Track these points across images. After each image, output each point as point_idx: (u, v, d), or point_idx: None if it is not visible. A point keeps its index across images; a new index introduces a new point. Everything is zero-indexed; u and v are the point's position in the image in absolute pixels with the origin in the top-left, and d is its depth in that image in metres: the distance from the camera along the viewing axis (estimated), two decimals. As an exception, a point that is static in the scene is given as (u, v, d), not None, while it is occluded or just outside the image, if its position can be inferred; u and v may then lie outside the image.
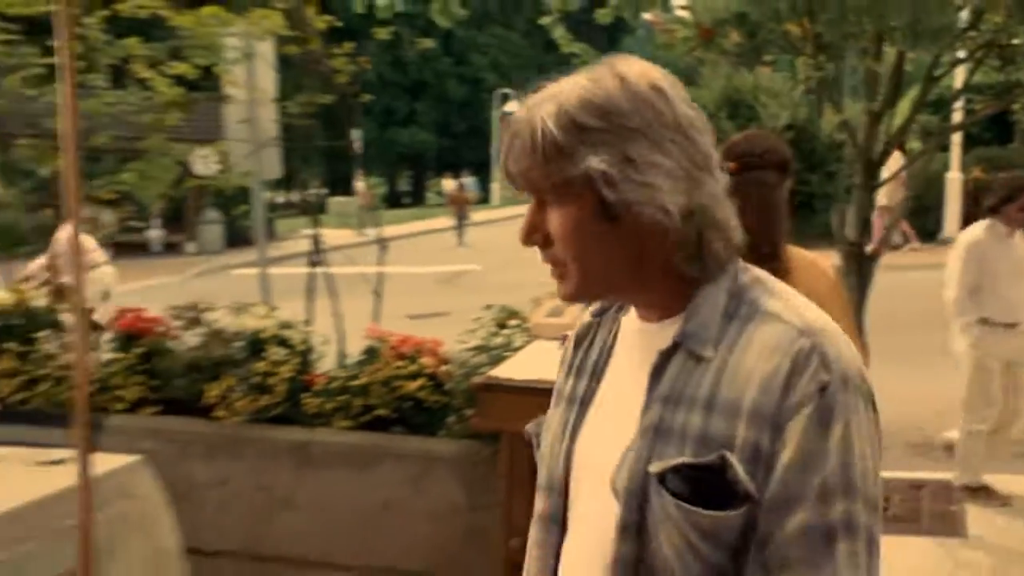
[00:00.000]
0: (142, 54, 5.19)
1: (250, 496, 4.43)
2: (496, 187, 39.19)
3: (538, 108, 1.36)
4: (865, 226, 5.90)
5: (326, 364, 4.72)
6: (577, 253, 1.37)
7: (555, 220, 1.37)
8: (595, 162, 1.32)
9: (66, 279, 8.77)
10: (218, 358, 4.63)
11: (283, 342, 4.55)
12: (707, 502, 1.29)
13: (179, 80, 5.27)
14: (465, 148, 43.24)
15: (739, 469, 1.28)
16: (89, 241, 9.37)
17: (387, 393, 4.29)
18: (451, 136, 43.97)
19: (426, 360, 4.33)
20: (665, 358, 1.37)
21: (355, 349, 4.73)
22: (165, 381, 4.70)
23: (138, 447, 4.16)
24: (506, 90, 36.59)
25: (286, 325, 4.64)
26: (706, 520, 1.28)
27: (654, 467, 1.32)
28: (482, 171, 39.80)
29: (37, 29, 5.31)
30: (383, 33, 5.48)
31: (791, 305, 1.36)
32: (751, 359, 1.31)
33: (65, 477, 3.62)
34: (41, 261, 9.58)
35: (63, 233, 9.62)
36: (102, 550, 3.49)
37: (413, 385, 4.27)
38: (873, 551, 1.28)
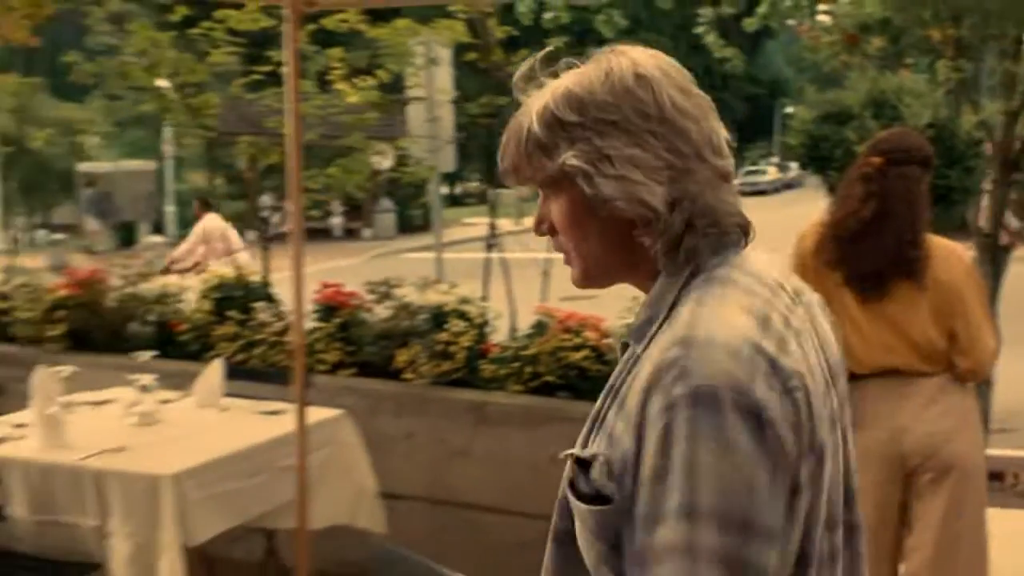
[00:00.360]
0: (343, 64, 5.50)
1: (432, 449, 4.66)
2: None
3: (531, 104, 1.31)
4: (999, 219, 5.81)
5: (499, 336, 4.92)
6: (575, 243, 1.33)
7: (554, 211, 1.33)
8: (570, 158, 1.26)
9: (211, 262, 9.33)
10: (405, 328, 4.85)
11: (462, 315, 4.75)
12: (587, 494, 1.24)
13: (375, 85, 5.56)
14: (615, 145, 43.04)
15: (597, 469, 1.21)
16: (230, 230, 9.92)
17: (554, 362, 4.46)
18: (603, 134, 43.78)
19: (589, 334, 4.49)
20: (623, 349, 1.33)
21: (524, 323, 4.93)
22: (360, 347, 4.94)
23: (338, 403, 4.44)
24: (655, 90, 36.31)
25: (465, 300, 4.84)
26: (581, 510, 1.24)
27: (561, 453, 1.29)
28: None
29: (255, 41, 5.70)
30: (556, 42, 5.66)
31: (699, 310, 1.22)
32: (647, 364, 1.21)
33: (282, 425, 3.92)
34: (186, 246, 10.16)
35: (208, 222, 10.21)
36: (313, 486, 3.77)
37: (577, 355, 4.43)
38: (739, 572, 1.11)
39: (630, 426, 1.18)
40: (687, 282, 1.26)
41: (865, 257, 3.08)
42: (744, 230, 1.32)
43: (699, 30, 6.53)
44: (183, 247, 10.26)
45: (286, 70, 3.62)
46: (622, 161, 1.24)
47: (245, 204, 10.29)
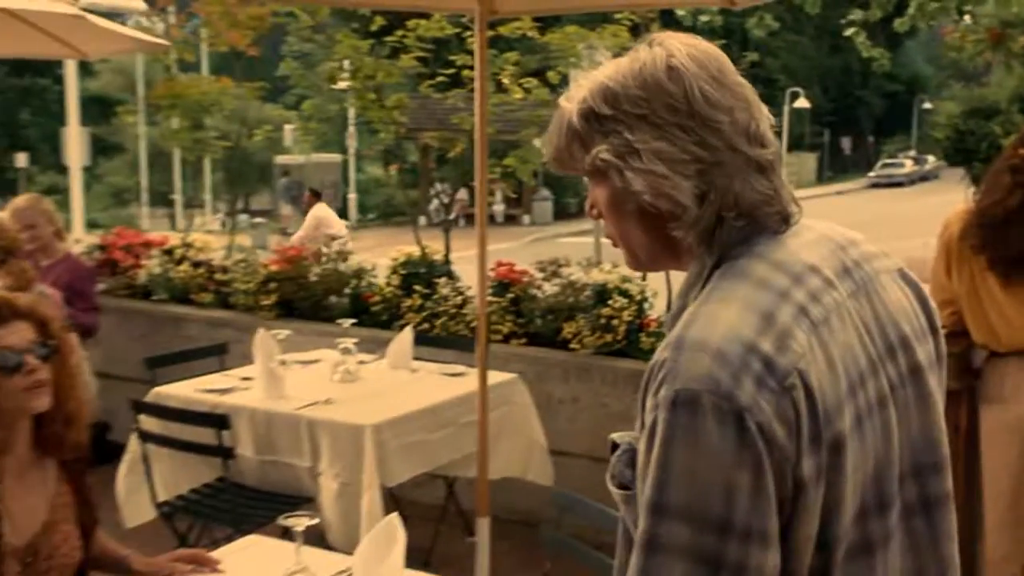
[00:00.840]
0: (517, 66, 5.62)
1: (594, 412, 4.75)
2: (784, 173, 38.24)
3: (573, 95, 1.25)
4: None
5: (657, 311, 4.95)
6: (617, 229, 1.27)
7: (598, 199, 1.26)
8: (602, 151, 1.20)
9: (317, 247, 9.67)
10: (571, 303, 4.94)
11: (624, 293, 4.81)
12: (614, 477, 1.23)
13: (546, 84, 5.66)
14: (759, 137, 42.38)
15: (616, 456, 1.21)
16: (333, 216, 10.18)
17: (706, 337, 4.47)
18: (745, 128, 42.89)
19: (739, 312, 4.48)
20: None
21: (678, 301, 4.95)
22: (530, 320, 5.05)
23: (510, 369, 4.58)
24: (795, 88, 35.38)
25: (626, 279, 4.88)
26: (611, 491, 1.23)
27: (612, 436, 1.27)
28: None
29: (439, 46, 5.91)
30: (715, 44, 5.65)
31: (700, 309, 1.15)
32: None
33: (464, 386, 4.06)
34: (303, 233, 10.51)
35: (317, 211, 10.55)
36: (491, 441, 3.86)
37: (728, 331, 4.43)
38: (717, 570, 1.07)
39: (639, 420, 1.15)
40: (710, 273, 1.19)
41: (1010, 243, 3.02)
42: (785, 218, 1.22)
43: (848, 31, 6.40)
44: (300, 234, 10.64)
45: (470, 72, 3.73)
46: (649, 155, 1.16)
47: (417, 193, 10.56)
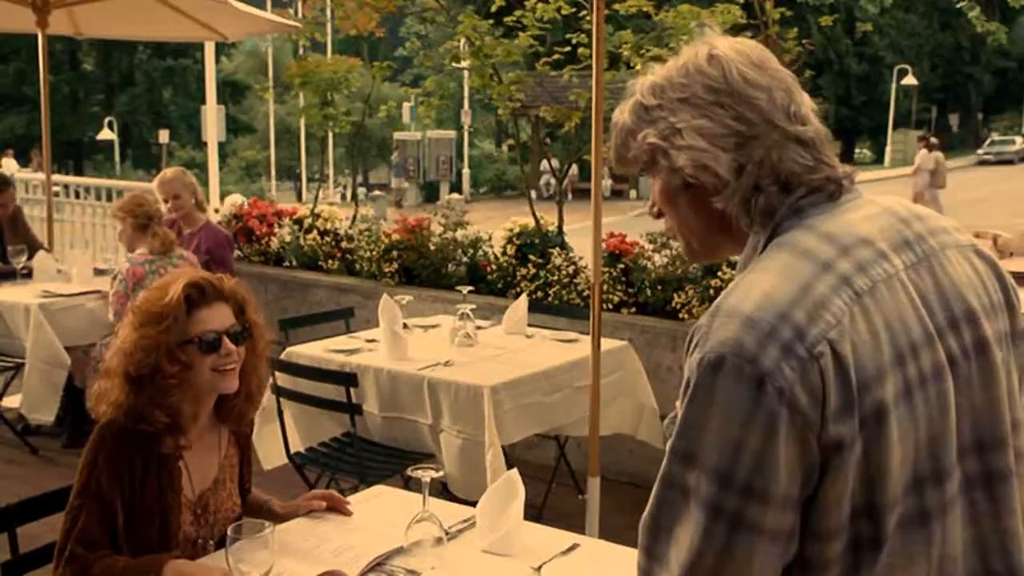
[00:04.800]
0: (632, 43, 5.53)
1: (701, 380, 4.69)
2: (889, 150, 37.00)
3: (624, 105, 1.31)
4: None
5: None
6: (674, 219, 1.31)
7: (655, 192, 1.31)
8: (649, 136, 1.24)
9: None
10: (681, 274, 4.89)
11: (733, 265, 4.73)
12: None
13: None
14: (863, 116, 40.91)
15: (667, 420, 1.22)
16: None
17: (814, 308, 4.36)
18: (850, 107, 41.59)
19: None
20: None
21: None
22: (639, 289, 5.03)
23: (620, 337, 4.56)
24: (903, 66, 34.03)
25: (735, 252, 4.81)
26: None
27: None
28: (877, 136, 37.76)
29: (552, 24, 5.85)
30: (827, 20, 5.45)
31: (742, 279, 1.18)
32: None
33: (577, 351, 4.05)
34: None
35: None
36: (604, 403, 3.88)
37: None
38: (712, 520, 1.11)
39: None
40: (764, 246, 1.21)
41: None
42: (836, 181, 1.22)
43: (961, 5, 6.10)
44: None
45: (585, 50, 3.68)
46: (690, 132, 1.20)
47: (529, 168, 10.53)
